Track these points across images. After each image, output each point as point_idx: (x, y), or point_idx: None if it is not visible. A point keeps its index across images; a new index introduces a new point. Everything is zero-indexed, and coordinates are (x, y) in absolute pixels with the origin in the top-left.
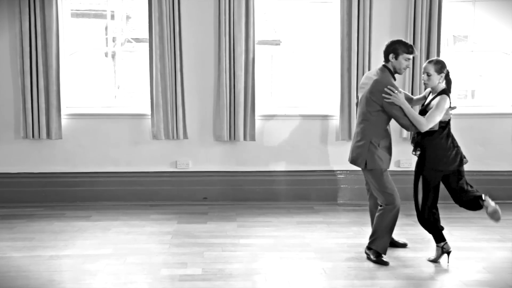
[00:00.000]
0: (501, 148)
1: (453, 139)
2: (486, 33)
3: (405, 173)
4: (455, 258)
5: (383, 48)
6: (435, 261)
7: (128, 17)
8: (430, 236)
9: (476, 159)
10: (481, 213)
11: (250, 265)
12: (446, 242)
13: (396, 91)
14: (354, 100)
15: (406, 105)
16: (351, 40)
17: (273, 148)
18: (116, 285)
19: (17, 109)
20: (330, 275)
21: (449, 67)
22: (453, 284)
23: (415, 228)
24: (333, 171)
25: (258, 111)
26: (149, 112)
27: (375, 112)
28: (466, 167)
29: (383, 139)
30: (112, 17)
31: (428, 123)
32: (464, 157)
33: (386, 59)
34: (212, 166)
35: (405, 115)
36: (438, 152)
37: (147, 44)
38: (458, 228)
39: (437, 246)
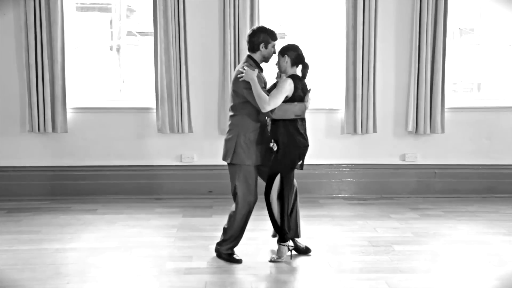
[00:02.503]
0: (507, 141)
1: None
2: (492, 26)
3: (410, 166)
4: (461, 251)
5: (388, 41)
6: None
7: (132, 11)
8: (435, 230)
9: (482, 153)
10: (486, 207)
11: (255, 258)
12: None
13: (247, 68)
14: (359, 94)
15: (255, 81)
16: (356, 33)
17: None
18: (121, 278)
19: (23, 103)
20: (336, 269)
21: (457, 58)
22: (459, 278)
23: (420, 222)
24: (338, 164)
25: None
26: (154, 105)
27: (241, 103)
28: (473, 160)
29: (252, 132)
30: (117, 10)
31: (270, 102)
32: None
33: (255, 49)
34: (217, 159)
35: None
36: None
37: (152, 38)
38: (464, 222)
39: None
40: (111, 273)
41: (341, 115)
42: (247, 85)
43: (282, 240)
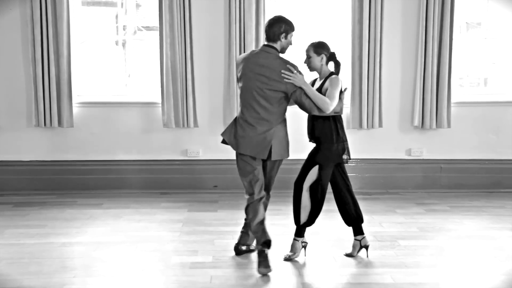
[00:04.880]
0: None
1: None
2: (499, 20)
3: (415, 161)
4: (467, 247)
5: (395, 35)
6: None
7: (138, 5)
8: (440, 225)
9: (489, 148)
10: (492, 202)
11: None
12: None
13: (296, 71)
14: (365, 89)
15: (308, 85)
16: (362, 28)
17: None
18: (127, 272)
19: (29, 97)
20: (341, 263)
21: (463, 53)
22: (464, 273)
23: (426, 217)
24: (344, 159)
25: None
26: (159, 100)
27: (278, 99)
28: (479, 155)
29: (284, 128)
30: (122, 5)
31: (333, 102)
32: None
33: (276, 39)
34: (223, 154)
35: (308, 96)
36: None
37: (158, 33)
38: (469, 217)
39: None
40: (116, 267)
41: (346, 109)
42: (296, 87)
43: (297, 234)
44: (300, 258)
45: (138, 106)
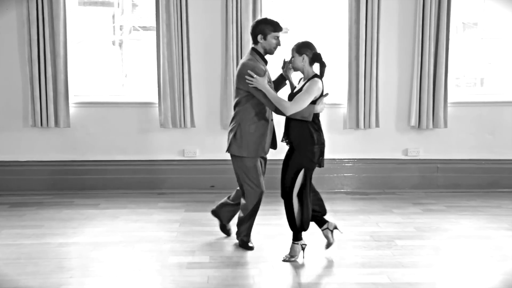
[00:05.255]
0: (510, 136)
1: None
2: (496, 20)
3: (412, 161)
4: (463, 246)
5: (391, 35)
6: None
7: (135, 5)
8: (437, 225)
9: (484, 148)
10: (489, 202)
11: (257, 253)
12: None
13: (256, 76)
14: (362, 88)
15: (267, 89)
16: (359, 28)
17: (280, 137)
18: (124, 272)
19: (25, 97)
20: (338, 263)
21: (460, 53)
22: (461, 272)
23: (423, 217)
24: (341, 159)
25: None
26: (156, 100)
27: (244, 96)
28: (475, 155)
29: (253, 124)
30: (119, 5)
31: (293, 106)
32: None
33: (255, 41)
34: (220, 154)
35: (268, 98)
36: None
37: (154, 32)
38: (466, 216)
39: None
40: (113, 268)
41: (343, 109)
42: (258, 90)
43: (295, 239)
44: (298, 259)
45: (135, 106)
